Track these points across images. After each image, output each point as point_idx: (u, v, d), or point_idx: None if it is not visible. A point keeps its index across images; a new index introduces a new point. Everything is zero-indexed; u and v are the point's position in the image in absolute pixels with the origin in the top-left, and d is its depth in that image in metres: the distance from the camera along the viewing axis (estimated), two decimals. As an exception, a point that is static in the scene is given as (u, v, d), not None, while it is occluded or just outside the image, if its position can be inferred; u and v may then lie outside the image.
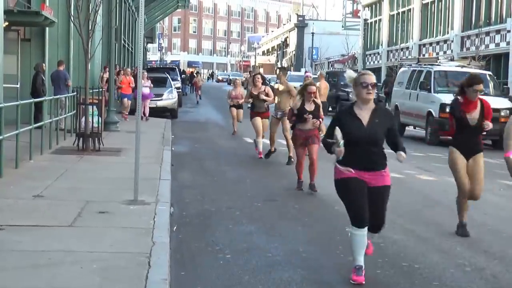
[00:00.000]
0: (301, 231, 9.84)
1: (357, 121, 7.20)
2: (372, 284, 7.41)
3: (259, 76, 18.40)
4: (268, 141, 17.78)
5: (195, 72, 66.93)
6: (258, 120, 17.99)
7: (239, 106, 23.89)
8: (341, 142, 7.02)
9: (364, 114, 7.24)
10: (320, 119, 13.01)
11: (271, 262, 8.04)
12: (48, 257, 7.36)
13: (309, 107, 12.99)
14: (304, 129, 12.97)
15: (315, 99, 13.15)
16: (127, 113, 28.20)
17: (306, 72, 27.44)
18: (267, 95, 17.69)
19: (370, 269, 7.80)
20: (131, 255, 7.53)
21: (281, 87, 17.15)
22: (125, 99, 28.40)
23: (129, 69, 30.95)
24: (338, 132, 7.06)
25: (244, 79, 50.89)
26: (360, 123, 7.19)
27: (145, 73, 28.80)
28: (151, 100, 28.94)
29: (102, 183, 12.37)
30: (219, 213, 10.88)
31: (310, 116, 12.86)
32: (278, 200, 12.16)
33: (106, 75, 28.70)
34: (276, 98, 17.34)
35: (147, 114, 27.86)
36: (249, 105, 18.49)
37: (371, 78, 7.24)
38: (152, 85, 28.65)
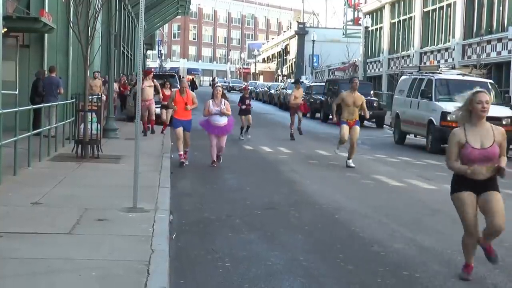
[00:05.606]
0: (301, 239, 9.79)
1: None
2: (373, 293, 7.35)
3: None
4: None
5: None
6: None
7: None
8: None
9: None
10: None
11: (271, 271, 7.99)
12: (46, 265, 7.32)
13: None
14: None
15: None
16: (184, 152, 17.65)
17: None
18: None
19: (371, 278, 7.77)
20: (130, 263, 7.48)
21: None
22: (179, 129, 17.48)
23: (168, 83, 21.86)
24: None
25: None
26: None
27: (220, 89, 17.78)
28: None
29: (101, 191, 12.32)
30: (219, 221, 10.83)
31: None
32: (278, 208, 12.10)
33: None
34: None
35: (214, 156, 17.57)
36: None
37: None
38: (230, 113, 17.66)
